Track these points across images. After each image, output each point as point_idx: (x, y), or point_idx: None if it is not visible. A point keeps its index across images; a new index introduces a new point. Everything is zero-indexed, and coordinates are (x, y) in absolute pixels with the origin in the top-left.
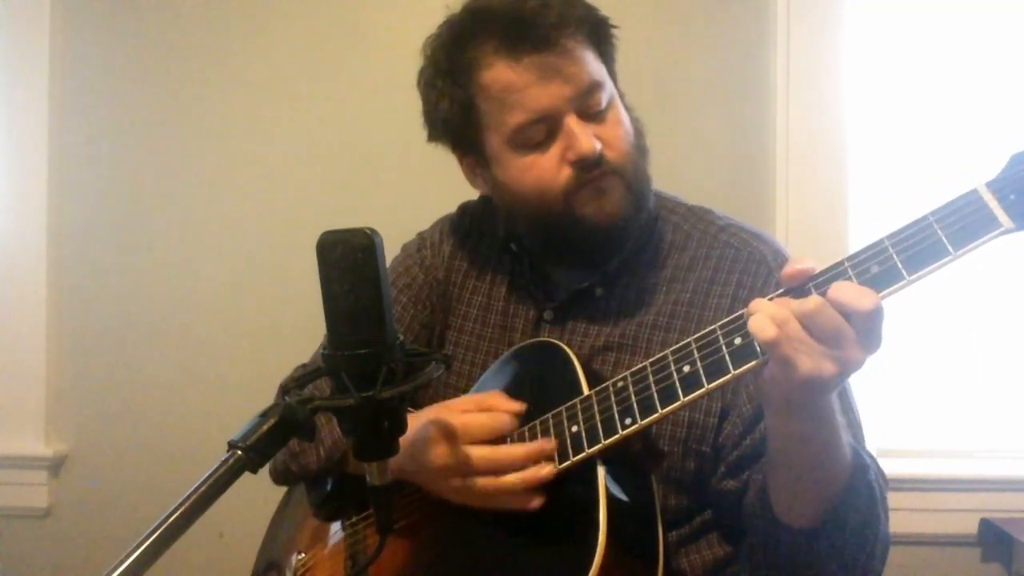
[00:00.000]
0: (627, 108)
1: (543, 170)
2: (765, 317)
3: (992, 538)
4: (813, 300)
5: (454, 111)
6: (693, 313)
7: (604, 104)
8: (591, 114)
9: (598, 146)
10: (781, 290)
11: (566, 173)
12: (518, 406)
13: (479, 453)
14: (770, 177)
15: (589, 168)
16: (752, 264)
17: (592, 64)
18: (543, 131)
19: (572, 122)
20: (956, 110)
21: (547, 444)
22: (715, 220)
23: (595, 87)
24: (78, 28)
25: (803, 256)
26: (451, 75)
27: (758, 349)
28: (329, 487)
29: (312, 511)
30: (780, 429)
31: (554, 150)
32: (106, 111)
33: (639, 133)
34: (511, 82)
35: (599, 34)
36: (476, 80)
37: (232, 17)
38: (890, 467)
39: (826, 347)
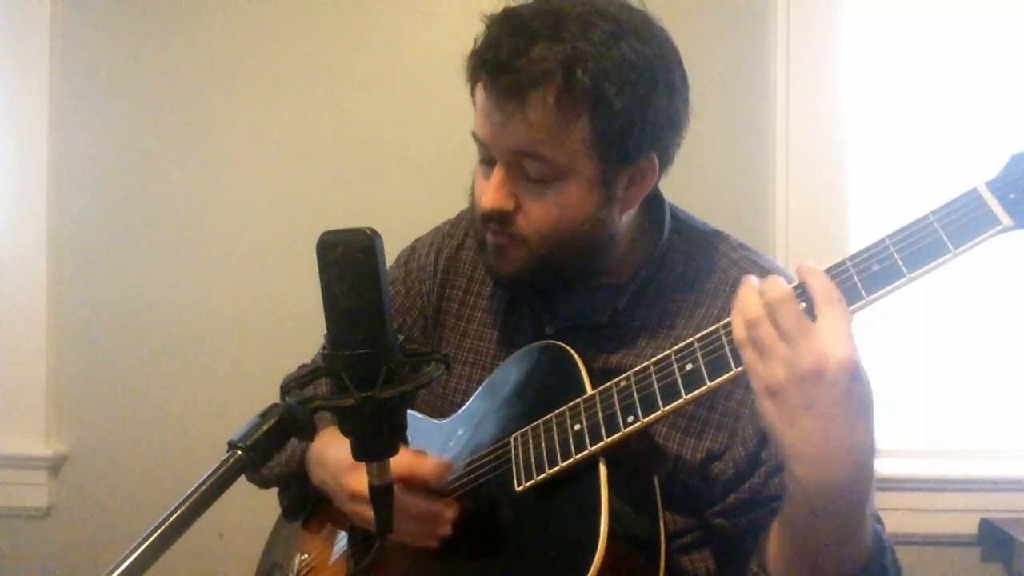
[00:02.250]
0: (610, 202)
1: (480, 187)
2: (738, 315)
3: (992, 538)
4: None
5: (470, 85)
6: None
7: (544, 176)
8: (528, 175)
9: (499, 205)
10: None
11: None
12: (446, 461)
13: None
14: (770, 177)
15: (488, 220)
16: None
17: (544, 132)
18: (486, 155)
19: (496, 170)
20: (956, 109)
21: (448, 512)
22: (728, 252)
23: (531, 154)
24: (78, 28)
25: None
26: (471, 59)
27: None
28: (293, 492)
29: (283, 517)
30: (793, 485)
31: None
32: (106, 111)
33: (585, 229)
34: (478, 100)
35: (595, 113)
36: (478, 78)
37: (233, 17)
38: (890, 467)
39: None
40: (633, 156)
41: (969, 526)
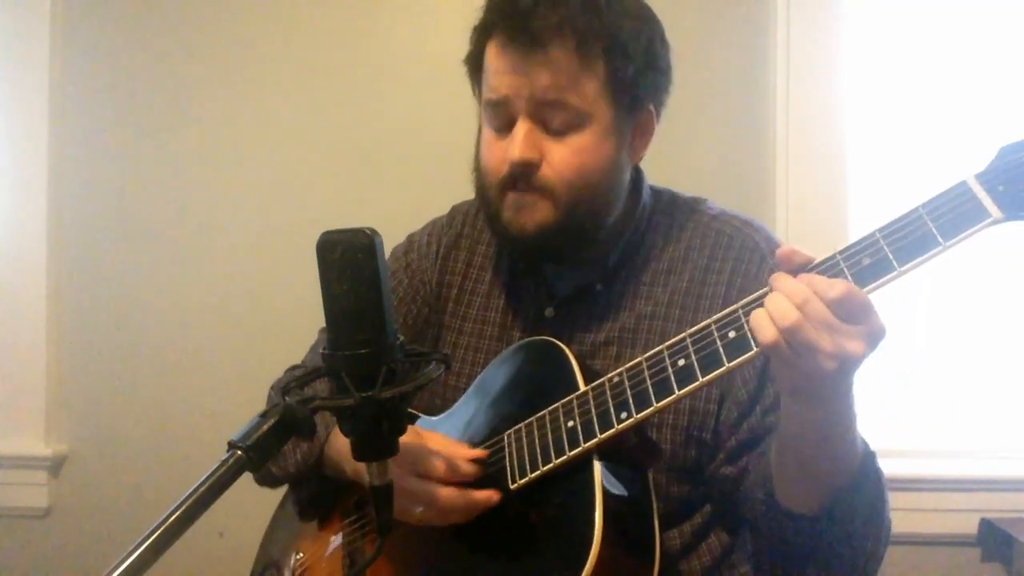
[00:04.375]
0: (622, 149)
1: (495, 154)
2: (765, 317)
3: (992, 538)
4: (838, 284)
5: (472, 62)
6: (690, 302)
7: (566, 124)
8: (550, 127)
9: (528, 156)
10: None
11: (506, 168)
12: (479, 453)
13: (424, 487)
14: (770, 177)
15: (515, 174)
16: (746, 251)
17: (567, 78)
18: (503, 118)
19: (519, 123)
20: (956, 107)
21: (494, 496)
22: (707, 210)
23: (554, 103)
24: (78, 28)
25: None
26: (477, 30)
27: (752, 342)
28: (310, 489)
29: (296, 515)
30: (794, 415)
31: (507, 141)
32: (106, 111)
33: (605, 175)
34: (493, 61)
35: (611, 57)
36: (485, 45)
37: (232, 17)
38: (890, 467)
39: (828, 337)
40: (640, 104)
41: (969, 526)
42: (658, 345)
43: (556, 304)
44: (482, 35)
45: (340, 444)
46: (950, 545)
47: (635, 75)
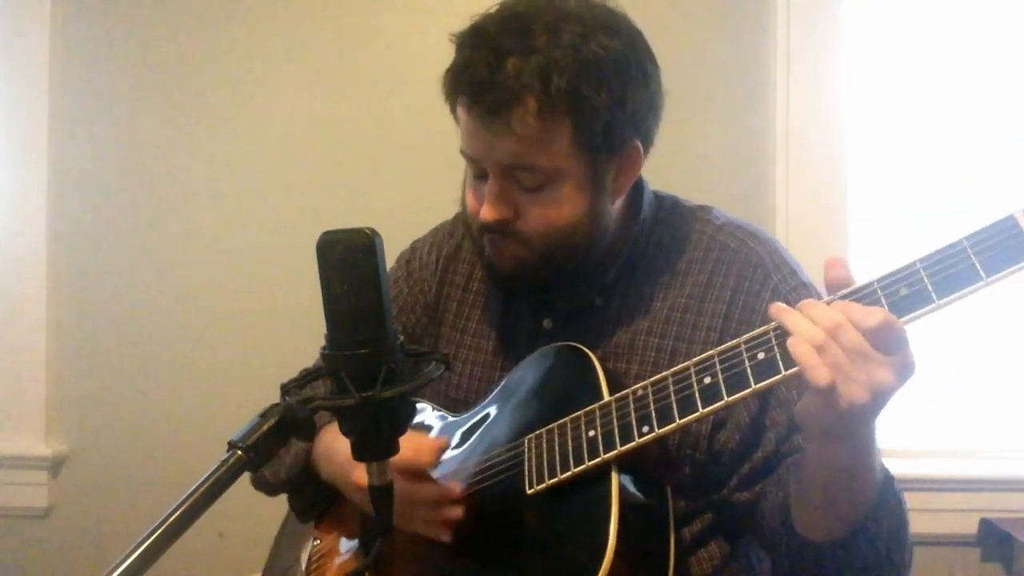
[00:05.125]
0: (603, 193)
1: (473, 201)
2: (806, 343)
3: (992, 538)
4: (877, 312)
5: (449, 104)
6: (688, 318)
7: (538, 182)
8: (522, 184)
9: (499, 217)
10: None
11: (482, 220)
12: (442, 440)
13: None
14: (770, 177)
15: (490, 227)
16: (748, 267)
17: (532, 143)
18: (478, 170)
19: (491, 182)
20: (956, 108)
21: (455, 488)
22: (713, 220)
23: (522, 166)
24: (78, 28)
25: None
26: (446, 80)
27: (780, 365)
28: (305, 497)
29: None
30: (821, 453)
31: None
32: (106, 111)
33: (583, 224)
34: (462, 118)
35: (577, 116)
36: (456, 98)
37: (233, 18)
38: (890, 467)
39: (860, 368)
40: (619, 147)
41: (969, 526)
42: (655, 360)
43: (555, 316)
44: (452, 87)
45: (323, 447)
46: (950, 545)
47: (606, 126)
